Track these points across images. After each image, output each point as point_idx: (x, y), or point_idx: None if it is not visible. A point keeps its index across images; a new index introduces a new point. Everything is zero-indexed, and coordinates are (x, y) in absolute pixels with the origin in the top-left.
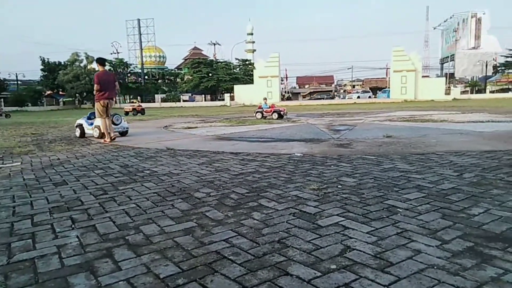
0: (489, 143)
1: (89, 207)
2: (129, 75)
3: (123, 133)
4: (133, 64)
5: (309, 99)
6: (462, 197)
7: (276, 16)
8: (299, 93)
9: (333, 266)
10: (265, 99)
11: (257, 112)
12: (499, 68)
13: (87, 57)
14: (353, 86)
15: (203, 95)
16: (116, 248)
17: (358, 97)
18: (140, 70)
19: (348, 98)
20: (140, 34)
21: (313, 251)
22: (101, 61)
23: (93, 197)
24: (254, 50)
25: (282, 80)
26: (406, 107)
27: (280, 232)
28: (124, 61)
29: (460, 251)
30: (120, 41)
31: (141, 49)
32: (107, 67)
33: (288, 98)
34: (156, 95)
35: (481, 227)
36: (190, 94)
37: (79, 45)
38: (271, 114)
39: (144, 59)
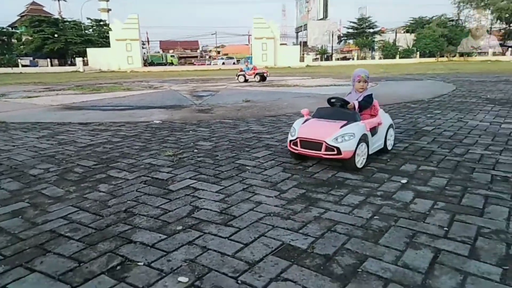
0: None
1: None
2: None
3: None
4: None
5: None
6: None
7: None
8: None
9: (179, 227)
10: (247, 61)
11: (239, 75)
12: (342, 39)
13: None
14: (218, 52)
15: (48, 59)
16: None
17: (223, 63)
18: None
19: (213, 64)
20: None
21: (161, 215)
22: None
23: None
24: (109, 10)
25: (143, 44)
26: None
27: (128, 202)
28: None
29: (294, 198)
30: None
31: None
32: None
33: (151, 63)
34: None
35: (312, 176)
36: (31, 58)
37: None
38: (254, 77)
39: None
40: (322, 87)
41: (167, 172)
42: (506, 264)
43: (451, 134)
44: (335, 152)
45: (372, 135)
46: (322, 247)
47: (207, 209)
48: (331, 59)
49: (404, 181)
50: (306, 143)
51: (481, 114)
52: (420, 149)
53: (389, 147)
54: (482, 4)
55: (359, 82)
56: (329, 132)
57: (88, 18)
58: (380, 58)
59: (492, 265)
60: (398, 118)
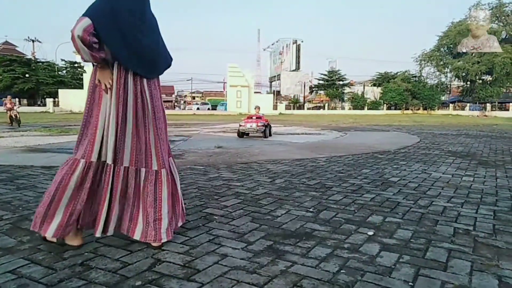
0: (299, 152)
1: None
2: None
3: None
4: None
5: None
6: (270, 201)
7: None
8: None
9: (138, 283)
10: (257, 108)
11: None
12: (313, 89)
13: None
14: (193, 98)
15: (16, 99)
16: None
17: (198, 108)
18: None
19: (188, 109)
20: None
21: (120, 269)
22: None
23: None
24: None
25: None
26: (241, 119)
27: (86, 253)
28: None
29: (261, 250)
30: None
31: None
32: None
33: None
34: None
35: (281, 226)
36: None
37: None
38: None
39: None
40: (293, 135)
41: None
42: None
43: (416, 186)
44: None
45: None
46: None
47: (170, 262)
48: (303, 108)
49: (370, 233)
50: None
51: (444, 166)
52: (386, 200)
53: None
54: (441, 63)
55: None
56: None
57: (62, 60)
58: (349, 109)
59: None
60: (366, 169)
